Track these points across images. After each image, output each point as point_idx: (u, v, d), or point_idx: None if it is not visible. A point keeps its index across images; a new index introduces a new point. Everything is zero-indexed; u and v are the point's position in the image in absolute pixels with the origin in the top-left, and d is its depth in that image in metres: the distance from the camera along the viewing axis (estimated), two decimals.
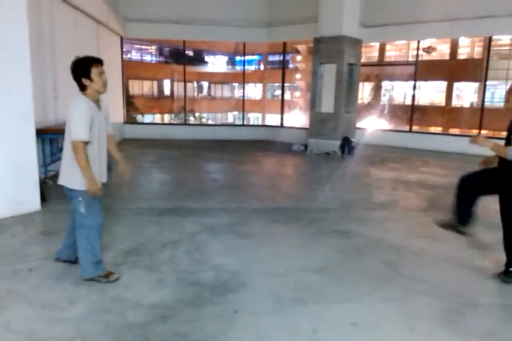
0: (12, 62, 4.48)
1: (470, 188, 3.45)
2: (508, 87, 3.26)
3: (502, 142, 3.23)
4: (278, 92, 29.53)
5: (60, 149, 6.78)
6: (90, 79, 2.86)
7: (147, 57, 28.74)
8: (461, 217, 3.51)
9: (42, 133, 5.57)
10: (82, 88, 2.91)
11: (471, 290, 3.19)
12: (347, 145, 10.08)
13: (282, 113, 13.34)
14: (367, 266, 3.59)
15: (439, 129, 21.64)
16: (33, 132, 4.79)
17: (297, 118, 23.52)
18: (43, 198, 5.02)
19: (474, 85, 23.05)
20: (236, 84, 32.18)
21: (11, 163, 4.57)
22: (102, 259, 3.22)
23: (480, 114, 10.95)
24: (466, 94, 23.95)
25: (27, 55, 4.60)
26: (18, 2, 4.49)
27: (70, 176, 2.96)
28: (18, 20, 4.50)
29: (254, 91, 31.65)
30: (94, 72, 2.85)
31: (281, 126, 13.24)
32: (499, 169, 3.29)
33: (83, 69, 2.84)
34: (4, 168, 4.52)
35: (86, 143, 2.87)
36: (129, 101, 17.12)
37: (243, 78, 14.88)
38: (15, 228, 4.28)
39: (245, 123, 15.58)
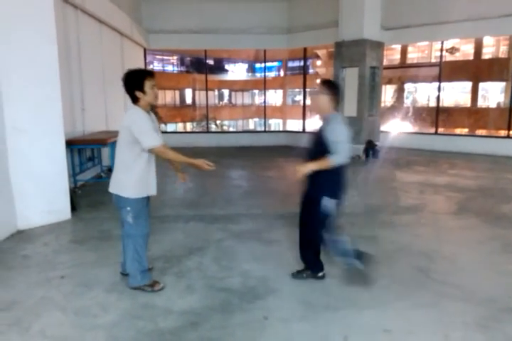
0: (42, 75, 4.64)
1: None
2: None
3: None
4: (298, 98, 29.52)
5: (88, 159, 6.96)
6: (143, 92, 2.88)
7: (169, 68, 29.26)
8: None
9: (71, 144, 5.72)
10: (135, 100, 2.93)
11: (506, 295, 3.09)
12: (371, 149, 9.96)
13: (304, 118, 13.31)
14: (397, 271, 3.52)
15: (465, 131, 21.18)
16: (63, 143, 4.93)
17: (319, 123, 23.39)
18: (73, 207, 5.15)
19: (501, 85, 22.50)
20: (256, 91, 32.38)
21: (42, 173, 4.71)
22: (149, 268, 3.28)
23: (508, 114, 10.65)
24: (492, 94, 23.38)
25: (56, 68, 4.76)
26: (47, 18, 4.66)
27: (122, 184, 3.00)
28: (47, 35, 4.66)
29: (274, 97, 31.75)
30: (148, 84, 2.88)
31: (303, 131, 13.21)
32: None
33: (137, 81, 2.87)
34: (36, 179, 4.65)
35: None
36: (153, 111, 17.38)
37: (264, 85, 14.96)
38: (47, 237, 4.39)
39: (266, 129, 15.62)
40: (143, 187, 3.03)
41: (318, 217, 3.09)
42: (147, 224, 3.16)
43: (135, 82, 2.88)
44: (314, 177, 3.02)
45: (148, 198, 3.18)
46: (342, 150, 2.90)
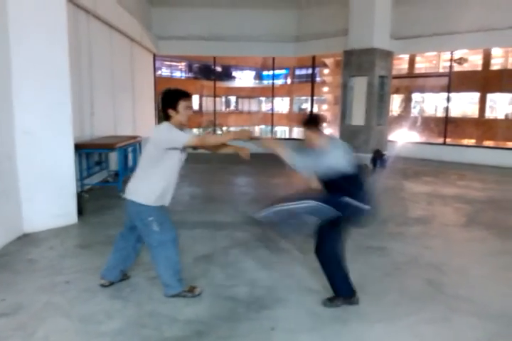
0: (53, 79, 4.65)
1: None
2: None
3: None
4: (305, 106, 29.59)
5: (96, 163, 6.96)
6: (176, 111, 2.93)
7: (177, 74, 29.44)
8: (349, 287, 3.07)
9: (79, 148, 5.72)
10: (167, 118, 2.96)
11: None
12: (379, 158, 9.91)
13: None
14: (406, 284, 3.45)
15: (472, 142, 21.06)
16: (72, 147, 4.93)
17: (325, 131, 23.32)
18: (80, 211, 5.13)
19: (509, 96, 22.42)
20: (263, 99, 32.49)
21: (50, 176, 4.70)
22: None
23: None
24: (500, 105, 23.28)
25: (67, 72, 4.77)
26: (59, 22, 4.68)
27: (142, 192, 3.00)
28: (59, 40, 4.68)
29: (281, 104, 31.83)
30: (182, 105, 2.93)
31: None
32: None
33: (172, 101, 2.93)
34: (43, 182, 4.65)
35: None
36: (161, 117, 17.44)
37: (272, 92, 15.00)
38: (52, 241, 4.37)
39: (274, 136, 15.60)
40: (162, 197, 3.04)
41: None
42: (173, 227, 3.13)
43: (170, 100, 2.93)
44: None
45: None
46: None
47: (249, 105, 33.69)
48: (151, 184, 2.98)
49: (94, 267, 3.63)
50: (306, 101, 27.45)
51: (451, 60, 11.90)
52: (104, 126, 7.72)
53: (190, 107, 3.00)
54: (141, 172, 3.03)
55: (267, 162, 10.87)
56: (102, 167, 7.27)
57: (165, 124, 2.95)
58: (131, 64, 9.81)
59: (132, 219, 3.10)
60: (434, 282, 3.47)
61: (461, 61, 19.25)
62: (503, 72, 21.74)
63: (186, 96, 2.97)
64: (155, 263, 3.11)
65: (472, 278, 3.60)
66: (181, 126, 3.00)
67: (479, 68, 22.58)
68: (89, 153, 6.57)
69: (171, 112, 2.93)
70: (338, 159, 2.89)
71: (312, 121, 3.10)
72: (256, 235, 4.68)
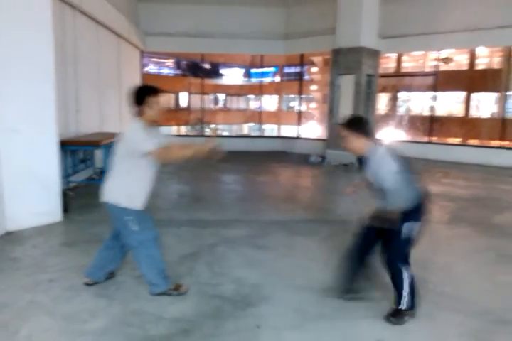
0: (37, 75, 4.58)
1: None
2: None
3: None
4: (293, 104, 29.63)
5: (81, 161, 6.87)
6: (147, 107, 2.90)
7: (164, 71, 29.25)
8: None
9: (64, 145, 5.63)
10: (137, 114, 2.94)
11: (501, 307, 3.07)
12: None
13: (299, 124, 13.32)
14: None
15: (457, 140, 21.33)
16: (56, 144, 4.86)
17: (313, 129, 23.46)
18: (65, 209, 5.07)
19: (494, 96, 22.74)
20: (252, 96, 32.46)
21: (34, 174, 4.63)
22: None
23: (501, 125, 10.76)
24: (485, 104, 23.62)
25: (52, 68, 4.70)
26: (44, 18, 4.61)
27: (119, 194, 2.95)
28: (44, 35, 4.61)
29: (269, 102, 31.82)
30: (151, 101, 2.90)
31: (298, 137, 13.22)
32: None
33: (140, 97, 2.90)
34: (27, 180, 4.58)
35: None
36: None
37: (260, 90, 14.98)
38: (36, 239, 4.31)
39: (261, 134, 15.61)
40: (138, 197, 2.99)
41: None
42: (153, 226, 3.09)
43: (138, 96, 2.91)
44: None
45: None
46: None
47: (237, 103, 33.64)
48: (125, 184, 2.94)
49: (79, 265, 3.59)
50: (294, 99, 27.47)
51: (438, 59, 12.02)
52: (90, 123, 7.62)
53: (159, 103, 2.94)
54: (114, 173, 2.98)
55: (256, 159, 10.91)
56: (87, 164, 7.17)
57: (137, 124, 2.91)
58: (118, 60, 9.69)
59: (112, 221, 3.07)
60: (419, 279, 3.47)
61: (446, 60, 19.47)
62: (488, 72, 22.04)
63: (155, 91, 2.94)
64: (138, 263, 3.09)
65: (457, 275, 3.66)
66: (153, 123, 2.98)
67: (465, 68, 22.86)
68: (75, 150, 6.47)
69: (141, 108, 2.90)
70: (391, 168, 2.66)
71: (356, 123, 2.81)
72: (242, 233, 4.68)
